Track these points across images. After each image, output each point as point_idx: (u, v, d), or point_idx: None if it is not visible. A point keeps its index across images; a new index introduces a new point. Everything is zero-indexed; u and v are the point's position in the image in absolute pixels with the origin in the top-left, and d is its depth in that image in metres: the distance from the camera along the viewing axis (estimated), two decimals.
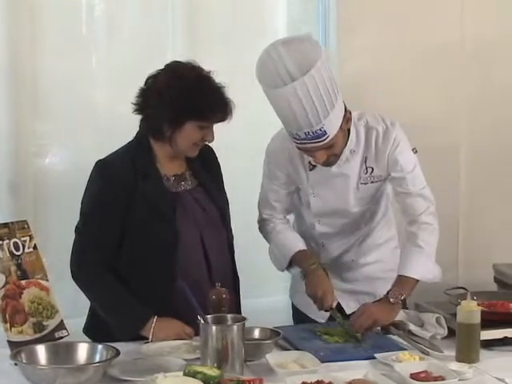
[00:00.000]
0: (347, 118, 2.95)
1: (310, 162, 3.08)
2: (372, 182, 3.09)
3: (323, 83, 2.80)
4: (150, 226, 2.88)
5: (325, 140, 2.88)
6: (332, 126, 2.87)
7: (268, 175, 3.19)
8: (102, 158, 2.95)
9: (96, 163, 2.93)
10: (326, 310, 2.98)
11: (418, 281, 2.98)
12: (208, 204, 3.00)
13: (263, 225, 3.24)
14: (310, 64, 2.78)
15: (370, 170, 3.07)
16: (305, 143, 2.90)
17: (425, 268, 2.99)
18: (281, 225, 3.20)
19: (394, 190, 3.10)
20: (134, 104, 2.92)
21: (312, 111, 2.80)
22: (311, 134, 2.85)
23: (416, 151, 3.08)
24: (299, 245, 3.13)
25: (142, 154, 2.94)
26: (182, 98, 2.81)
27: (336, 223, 3.17)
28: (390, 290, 2.94)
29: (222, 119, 2.89)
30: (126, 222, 2.88)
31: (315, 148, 2.91)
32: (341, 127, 2.92)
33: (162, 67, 2.91)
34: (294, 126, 2.85)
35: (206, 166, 3.06)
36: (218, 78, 2.91)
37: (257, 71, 2.88)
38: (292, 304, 3.40)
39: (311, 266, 3.03)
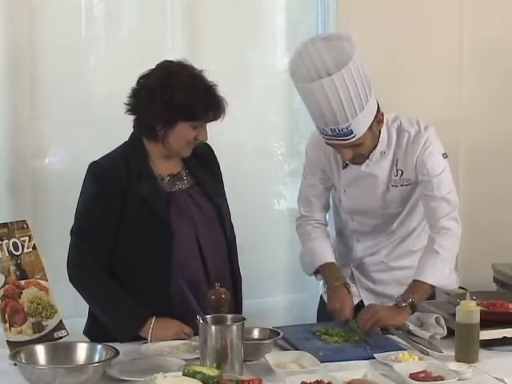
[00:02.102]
0: (379, 119, 2.96)
1: (343, 161, 3.10)
2: (402, 185, 3.09)
3: (353, 84, 2.81)
4: (144, 225, 2.88)
5: (351, 139, 2.89)
6: (360, 127, 2.88)
7: (307, 170, 3.23)
8: (96, 159, 2.95)
9: (89, 165, 2.93)
10: (344, 323, 2.97)
11: (433, 286, 2.97)
12: (205, 203, 3.00)
13: (301, 224, 3.26)
14: (344, 62, 2.80)
15: (400, 172, 3.07)
16: (331, 139, 2.92)
17: (440, 274, 2.96)
18: (317, 230, 3.21)
19: (421, 193, 3.08)
20: (127, 104, 2.92)
21: (339, 110, 2.82)
22: (337, 131, 2.86)
23: (446, 156, 3.07)
24: (328, 257, 3.15)
25: (136, 154, 2.94)
26: (174, 98, 2.81)
27: (367, 223, 3.18)
28: (401, 295, 2.93)
29: (215, 118, 2.89)
30: (121, 222, 2.88)
31: (341, 145, 2.93)
32: (370, 128, 2.93)
33: (154, 67, 2.91)
34: (320, 121, 2.88)
35: (204, 165, 3.06)
36: (209, 77, 2.90)
37: (290, 64, 2.90)
38: (321, 300, 3.37)
39: (335, 283, 3.05)
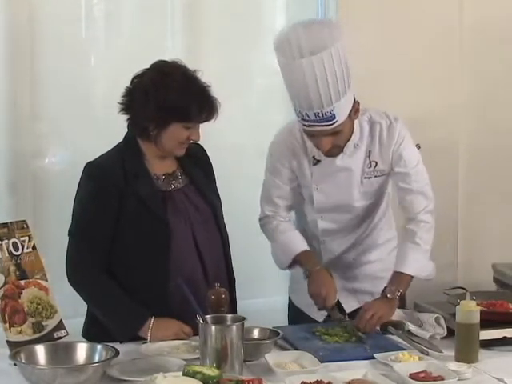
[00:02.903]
0: (356, 108, 2.97)
1: (313, 157, 3.10)
2: (376, 177, 3.11)
3: (340, 66, 2.83)
4: (141, 225, 2.88)
5: (333, 124, 2.90)
6: (342, 112, 2.89)
7: (271, 171, 3.20)
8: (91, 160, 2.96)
9: (85, 166, 2.93)
10: (327, 310, 2.99)
11: (412, 277, 3.02)
12: (200, 202, 3.00)
13: (266, 222, 3.24)
14: (326, 44, 2.81)
15: (373, 164, 3.09)
16: (313, 125, 2.91)
17: (420, 265, 3.02)
18: (283, 224, 3.20)
19: (396, 186, 3.11)
20: (120, 103, 2.92)
21: (325, 91, 2.83)
22: (321, 115, 2.87)
23: (419, 147, 3.10)
24: (302, 245, 3.14)
25: (131, 154, 2.94)
26: (167, 99, 2.81)
27: (339, 219, 3.18)
28: (387, 287, 2.97)
29: (208, 119, 2.89)
30: (119, 222, 2.88)
31: (322, 132, 2.93)
32: (349, 116, 2.94)
33: (148, 67, 2.91)
34: (304, 104, 2.87)
35: (198, 165, 3.06)
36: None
37: (275, 43, 2.91)
38: (290, 302, 3.39)
39: (316, 267, 3.05)
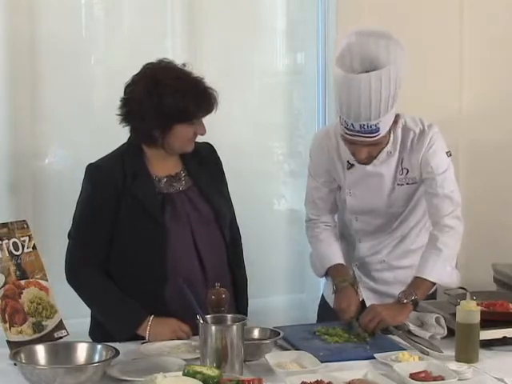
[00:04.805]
0: (395, 120, 2.98)
1: (348, 162, 3.11)
2: (407, 184, 3.11)
3: (394, 82, 2.83)
4: (138, 226, 2.88)
5: (375, 137, 2.90)
6: (385, 125, 2.90)
7: (311, 173, 3.23)
8: (94, 160, 2.95)
9: (86, 167, 2.94)
10: (346, 322, 2.98)
11: (434, 284, 2.99)
12: (202, 204, 2.99)
13: (310, 226, 3.27)
14: (388, 61, 2.82)
15: (405, 171, 3.09)
16: (356, 135, 2.90)
17: (442, 271, 2.98)
18: (326, 232, 3.22)
19: (425, 191, 3.10)
20: (119, 115, 2.91)
21: (375, 106, 2.82)
22: (366, 127, 2.86)
23: (450, 154, 3.09)
24: (336, 258, 3.16)
25: (133, 155, 2.94)
26: (165, 105, 2.81)
27: (372, 222, 3.19)
28: (403, 291, 2.94)
29: (209, 111, 2.89)
30: (117, 223, 2.89)
31: (363, 143, 2.93)
32: (389, 128, 2.95)
33: (137, 73, 2.89)
34: (353, 116, 2.86)
35: (204, 165, 3.05)
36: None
37: (337, 53, 2.90)
38: (322, 298, 3.39)
39: (342, 284, 3.06)
